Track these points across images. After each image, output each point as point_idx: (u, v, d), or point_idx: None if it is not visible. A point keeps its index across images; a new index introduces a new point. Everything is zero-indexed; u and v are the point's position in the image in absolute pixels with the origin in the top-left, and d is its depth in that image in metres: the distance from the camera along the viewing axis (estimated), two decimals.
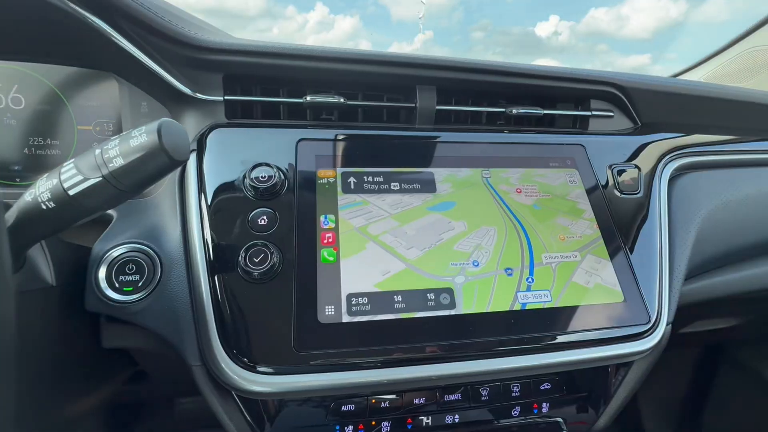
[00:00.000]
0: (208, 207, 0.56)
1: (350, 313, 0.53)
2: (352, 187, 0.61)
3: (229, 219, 0.55)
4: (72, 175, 0.37)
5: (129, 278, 0.52)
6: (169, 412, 1.04)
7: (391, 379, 0.52)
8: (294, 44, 0.65)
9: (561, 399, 0.65)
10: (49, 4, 0.53)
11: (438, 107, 0.71)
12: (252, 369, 0.49)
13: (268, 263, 0.52)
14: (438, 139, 0.68)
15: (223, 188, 0.57)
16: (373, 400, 0.59)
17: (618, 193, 0.69)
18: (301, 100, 0.67)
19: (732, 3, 22.86)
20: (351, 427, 0.59)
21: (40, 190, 0.38)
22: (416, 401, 0.60)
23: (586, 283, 0.60)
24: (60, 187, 0.37)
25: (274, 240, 0.55)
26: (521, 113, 0.74)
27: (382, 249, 0.57)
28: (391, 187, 0.62)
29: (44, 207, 0.38)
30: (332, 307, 0.52)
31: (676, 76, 1.51)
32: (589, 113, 0.79)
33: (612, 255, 0.63)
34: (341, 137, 0.64)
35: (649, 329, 0.60)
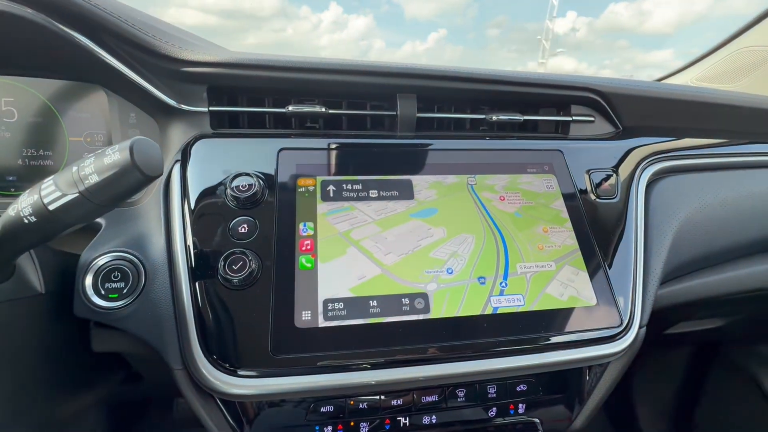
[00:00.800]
0: (192, 216, 0.58)
1: (327, 317, 0.54)
2: (331, 195, 0.62)
3: (211, 227, 0.57)
4: (51, 192, 0.39)
5: (114, 285, 0.54)
6: (169, 411, 1.06)
7: (366, 382, 0.54)
8: (274, 56, 0.66)
9: (537, 400, 0.67)
10: (36, 24, 0.55)
11: (419, 115, 0.72)
12: (231, 372, 0.51)
13: (247, 270, 0.54)
14: (418, 147, 0.69)
15: (206, 197, 0.59)
16: (352, 402, 0.60)
17: (595, 198, 0.70)
18: (284, 110, 0.68)
19: None
20: (330, 428, 0.61)
21: (22, 206, 0.40)
22: (394, 402, 0.62)
23: (560, 296, 0.61)
24: (40, 203, 0.39)
25: (253, 247, 0.56)
26: (502, 119, 0.75)
27: (361, 254, 0.58)
28: (370, 195, 0.63)
29: (26, 221, 0.40)
30: (309, 312, 0.54)
31: (670, 76, 1.51)
32: (570, 119, 0.79)
33: (588, 264, 0.64)
34: (322, 146, 0.65)
35: (622, 332, 0.61)
